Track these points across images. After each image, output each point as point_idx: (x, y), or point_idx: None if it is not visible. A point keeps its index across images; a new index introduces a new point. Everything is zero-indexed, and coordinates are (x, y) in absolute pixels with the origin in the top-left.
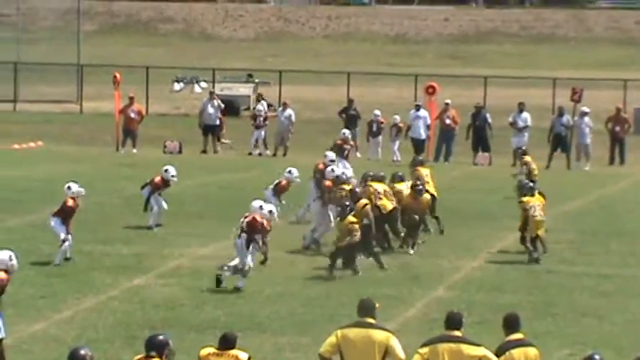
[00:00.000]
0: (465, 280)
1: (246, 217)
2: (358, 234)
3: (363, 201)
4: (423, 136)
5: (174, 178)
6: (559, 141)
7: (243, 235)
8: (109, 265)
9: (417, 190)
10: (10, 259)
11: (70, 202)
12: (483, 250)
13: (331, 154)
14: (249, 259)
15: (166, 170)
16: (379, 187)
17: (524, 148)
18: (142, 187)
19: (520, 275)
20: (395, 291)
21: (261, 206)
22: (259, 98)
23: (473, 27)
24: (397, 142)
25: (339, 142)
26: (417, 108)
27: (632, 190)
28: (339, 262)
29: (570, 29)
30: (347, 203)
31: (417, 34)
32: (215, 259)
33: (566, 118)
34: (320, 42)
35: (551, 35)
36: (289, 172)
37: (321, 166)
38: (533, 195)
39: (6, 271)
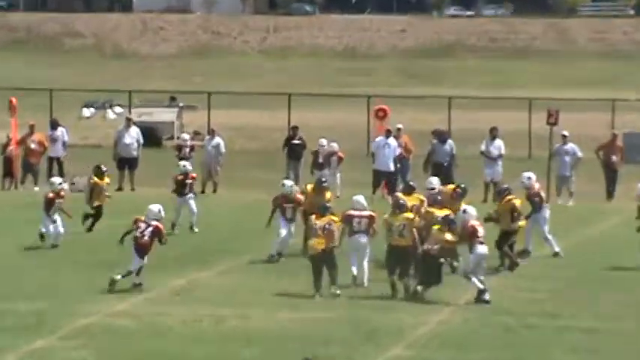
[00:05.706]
0: (427, 336)
1: None
2: None
3: None
4: (392, 167)
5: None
6: (439, 171)
7: None
8: (7, 325)
9: None
10: (160, 212)
11: None
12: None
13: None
14: None
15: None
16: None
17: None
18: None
19: (491, 331)
20: (345, 349)
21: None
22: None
23: (434, 40)
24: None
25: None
26: (387, 134)
27: (622, 228)
28: None
29: (548, 42)
30: None
31: (368, 48)
32: (132, 316)
33: (450, 144)
34: (255, 58)
35: (526, 49)
36: None
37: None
38: None
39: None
